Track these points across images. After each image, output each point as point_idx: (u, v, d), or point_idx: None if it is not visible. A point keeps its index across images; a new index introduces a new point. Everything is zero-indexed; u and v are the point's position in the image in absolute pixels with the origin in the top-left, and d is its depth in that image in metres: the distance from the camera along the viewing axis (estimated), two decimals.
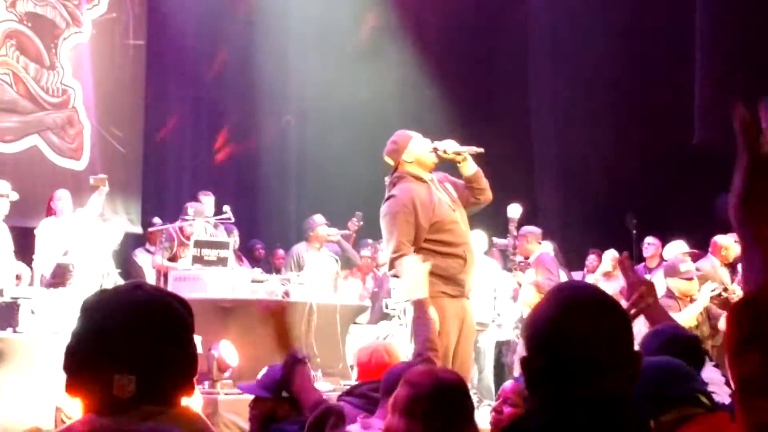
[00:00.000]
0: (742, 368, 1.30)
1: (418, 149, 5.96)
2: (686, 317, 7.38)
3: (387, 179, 6.08)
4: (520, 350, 9.20)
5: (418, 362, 4.51)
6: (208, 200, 10.15)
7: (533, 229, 9.58)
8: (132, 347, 1.87)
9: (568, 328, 1.71)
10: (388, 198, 5.92)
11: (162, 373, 1.90)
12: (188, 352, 1.97)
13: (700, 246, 9.75)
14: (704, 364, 3.41)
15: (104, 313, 1.92)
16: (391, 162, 6.05)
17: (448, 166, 6.14)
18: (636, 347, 1.76)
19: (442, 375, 3.00)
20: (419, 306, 5.23)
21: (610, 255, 9.65)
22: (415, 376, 3.00)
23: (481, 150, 5.99)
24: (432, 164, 5.98)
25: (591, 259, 11.46)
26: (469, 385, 9.41)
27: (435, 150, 5.94)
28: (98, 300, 1.97)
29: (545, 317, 1.75)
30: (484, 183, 6.06)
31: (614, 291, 9.55)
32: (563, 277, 9.51)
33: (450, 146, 5.95)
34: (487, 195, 6.09)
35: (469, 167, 6.01)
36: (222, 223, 9.91)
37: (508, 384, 4.05)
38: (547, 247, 10.37)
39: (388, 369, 3.91)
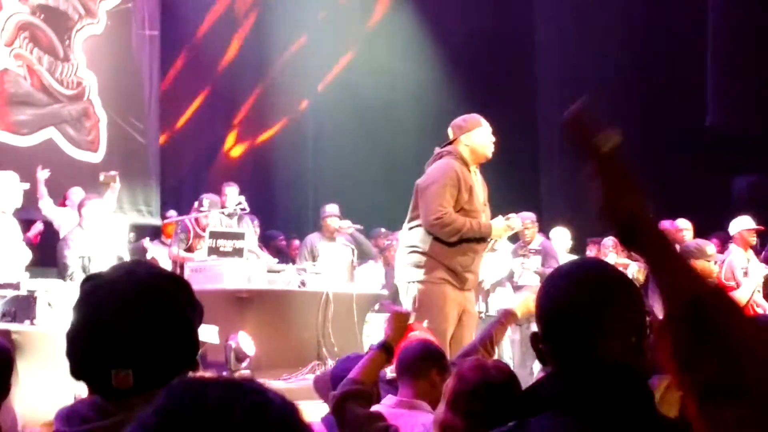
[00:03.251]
0: (701, 377, 1.28)
1: (480, 140, 6.06)
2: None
3: (437, 148, 6.14)
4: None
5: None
6: (231, 191, 10.11)
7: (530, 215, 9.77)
8: (127, 341, 1.85)
9: (576, 302, 1.76)
10: (433, 165, 6.01)
11: (160, 362, 1.88)
12: (186, 334, 1.93)
13: (715, 228, 9.69)
14: None
15: (98, 305, 1.89)
16: (450, 135, 6.12)
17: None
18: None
19: (492, 372, 2.93)
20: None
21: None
22: (465, 370, 2.95)
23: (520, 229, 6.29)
24: (484, 159, 6.04)
25: (592, 251, 11.36)
26: None
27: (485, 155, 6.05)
28: (92, 288, 1.93)
29: (554, 292, 1.81)
30: None
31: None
32: None
33: (515, 223, 6.16)
34: None
35: None
36: (243, 214, 9.90)
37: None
38: (563, 234, 10.40)
39: (402, 349, 3.88)
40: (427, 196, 5.87)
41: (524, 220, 9.57)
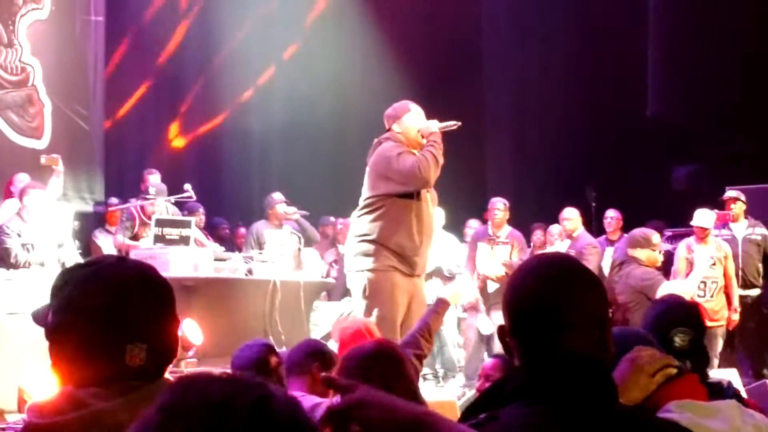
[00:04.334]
0: None
1: (410, 124, 6.12)
2: (691, 286, 7.64)
3: (376, 139, 6.23)
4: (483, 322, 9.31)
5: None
6: (154, 179, 10.05)
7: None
8: (141, 316, 1.90)
9: (543, 295, 1.80)
10: (375, 152, 6.08)
11: (167, 342, 1.94)
12: (176, 321, 2.00)
13: (655, 217, 9.88)
14: (705, 330, 3.56)
15: (104, 284, 1.92)
16: (386, 125, 6.21)
17: None
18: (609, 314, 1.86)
19: (368, 346, 3.05)
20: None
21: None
22: (343, 359, 3.06)
23: (458, 123, 6.13)
24: (417, 144, 6.08)
25: (537, 234, 11.50)
26: (434, 360, 9.54)
27: (421, 134, 6.05)
28: (93, 273, 1.94)
29: (521, 285, 1.85)
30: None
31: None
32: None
33: (432, 125, 6.07)
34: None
35: None
36: (186, 202, 9.88)
37: (488, 362, 4.11)
38: None
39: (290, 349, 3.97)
40: (393, 168, 5.94)
41: (495, 204, 9.61)
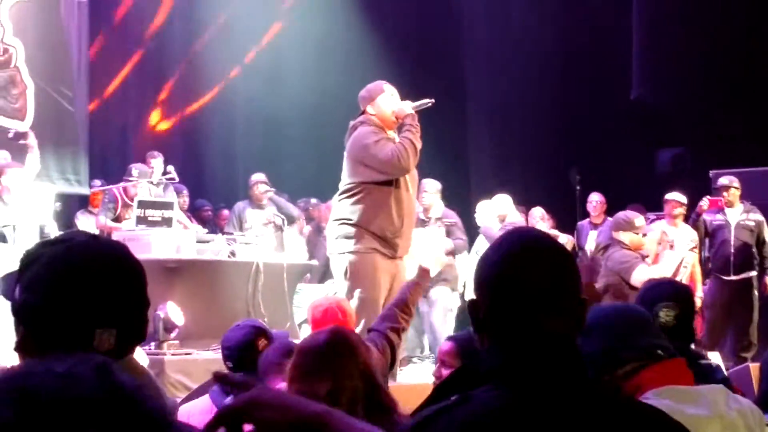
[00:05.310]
0: None
1: (384, 106, 6.09)
2: (667, 269, 7.59)
3: (351, 122, 6.18)
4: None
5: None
6: (157, 163, 10.06)
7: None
8: (112, 300, 1.85)
9: (515, 271, 1.74)
10: (351, 137, 6.05)
11: (137, 325, 1.91)
12: (146, 303, 1.95)
13: (639, 200, 9.91)
14: (693, 308, 3.59)
15: (75, 266, 1.87)
16: (360, 107, 6.18)
17: None
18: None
19: (322, 336, 3.01)
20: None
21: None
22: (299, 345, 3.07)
23: (431, 101, 6.10)
24: (392, 124, 6.07)
25: None
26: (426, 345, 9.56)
27: (395, 116, 6.03)
28: (64, 250, 1.90)
29: (492, 261, 1.78)
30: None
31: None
32: None
33: (406, 107, 6.05)
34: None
35: None
36: (170, 184, 9.86)
37: (444, 345, 4.01)
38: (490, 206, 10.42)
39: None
40: (371, 156, 5.92)
41: (423, 185, 9.49)
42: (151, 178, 9.47)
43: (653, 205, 10.43)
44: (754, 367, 7.32)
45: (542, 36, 13.56)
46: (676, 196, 9.48)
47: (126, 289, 1.89)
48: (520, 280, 1.73)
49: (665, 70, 12.76)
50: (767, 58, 12.45)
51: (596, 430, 1.64)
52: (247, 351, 4.24)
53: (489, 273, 1.78)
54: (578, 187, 11.65)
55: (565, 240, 9.60)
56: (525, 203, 11.18)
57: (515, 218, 9.74)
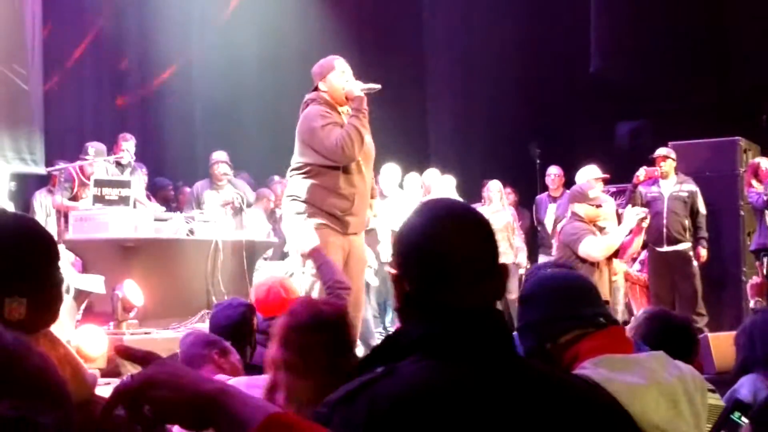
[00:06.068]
0: None
1: (335, 82, 6.04)
2: (615, 240, 7.54)
3: (306, 96, 6.14)
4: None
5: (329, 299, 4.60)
6: (128, 145, 9.97)
7: None
8: (23, 270, 1.89)
9: (434, 241, 1.72)
10: (302, 114, 6.01)
11: (48, 297, 1.94)
12: (60, 280, 2.00)
13: (603, 173, 9.92)
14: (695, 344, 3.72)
15: None
16: (313, 82, 6.13)
17: None
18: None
19: (322, 307, 3.02)
20: (316, 254, 5.51)
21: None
22: (296, 306, 3.01)
23: (379, 86, 6.05)
24: (343, 102, 6.02)
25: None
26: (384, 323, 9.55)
27: (345, 96, 5.99)
28: None
29: (412, 232, 1.76)
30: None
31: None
32: None
33: (355, 88, 6.00)
34: None
35: None
36: (137, 167, 9.79)
37: None
38: (449, 181, 10.42)
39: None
40: (318, 141, 5.88)
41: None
42: (108, 157, 9.37)
43: (613, 178, 10.46)
44: (713, 337, 7.38)
45: (501, 10, 13.54)
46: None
47: (35, 261, 1.93)
48: (449, 250, 1.71)
49: (623, 43, 12.79)
50: (727, 30, 12.51)
51: (521, 399, 1.63)
52: (240, 328, 4.44)
53: (415, 243, 1.75)
54: (538, 161, 11.67)
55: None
56: (485, 177, 11.19)
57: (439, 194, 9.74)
